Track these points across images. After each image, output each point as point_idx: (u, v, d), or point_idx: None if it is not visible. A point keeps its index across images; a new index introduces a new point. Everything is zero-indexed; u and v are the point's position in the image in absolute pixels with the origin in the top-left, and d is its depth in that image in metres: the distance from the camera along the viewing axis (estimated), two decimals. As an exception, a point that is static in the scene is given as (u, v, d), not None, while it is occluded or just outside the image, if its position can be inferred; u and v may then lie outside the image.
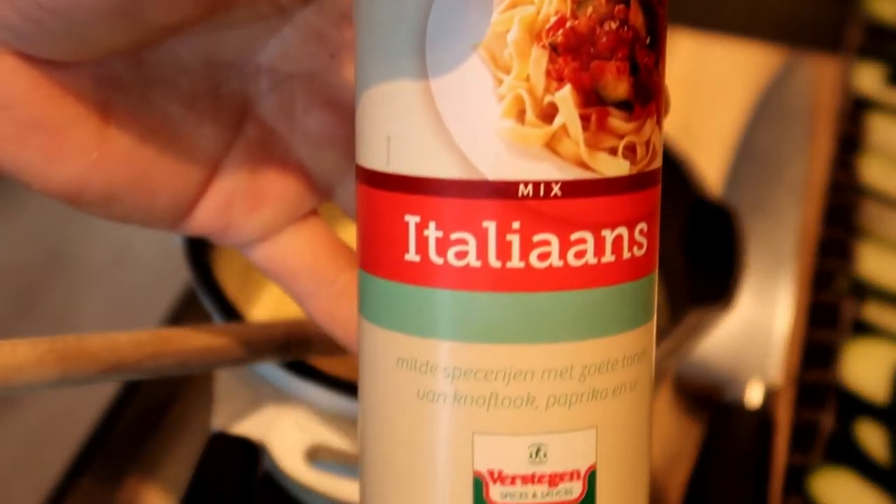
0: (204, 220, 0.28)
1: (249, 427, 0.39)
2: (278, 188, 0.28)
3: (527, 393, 0.23)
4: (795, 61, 0.69)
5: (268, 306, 0.49)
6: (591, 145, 0.23)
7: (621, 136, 0.23)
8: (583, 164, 0.23)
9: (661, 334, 0.31)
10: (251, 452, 0.39)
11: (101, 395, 0.49)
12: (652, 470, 0.26)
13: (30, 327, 0.55)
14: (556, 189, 0.23)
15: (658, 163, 0.24)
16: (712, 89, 0.70)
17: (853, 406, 0.50)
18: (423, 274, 0.23)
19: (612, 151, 0.23)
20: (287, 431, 0.39)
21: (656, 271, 0.25)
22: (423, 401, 0.24)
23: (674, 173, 0.49)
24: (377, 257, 0.24)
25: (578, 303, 0.23)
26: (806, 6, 0.77)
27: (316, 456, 0.40)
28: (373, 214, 0.24)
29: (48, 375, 0.28)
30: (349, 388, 0.38)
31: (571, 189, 0.23)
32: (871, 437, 0.49)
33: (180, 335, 0.32)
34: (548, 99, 0.22)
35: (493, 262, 0.23)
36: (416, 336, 0.24)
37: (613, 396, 0.24)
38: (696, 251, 0.48)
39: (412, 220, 0.23)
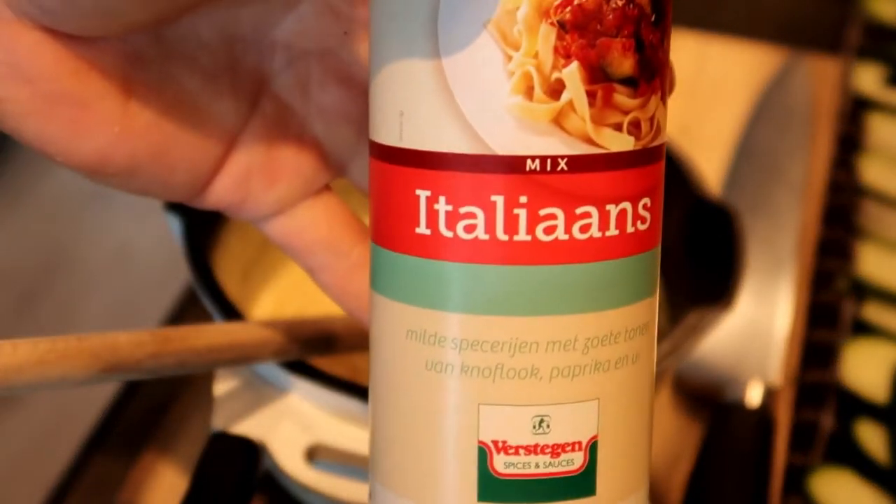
0: (221, 193, 0.28)
1: (249, 427, 0.39)
2: (294, 163, 0.28)
3: (531, 364, 0.24)
4: (795, 61, 0.69)
5: (268, 306, 0.49)
6: (597, 121, 0.23)
7: (626, 112, 0.23)
8: (588, 140, 0.23)
9: (661, 334, 0.31)
10: (251, 452, 0.39)
11: (101, 395, 0.49)
12: (652, 470, 0.27)
13: (30, 327, 0.55)
14: (562, 164, 0.23)
15: (662, 139, 0.25)
16: (712, 89, 0.70)
17: (853, 406, 0.50)
18: (433, 247, 0.24)
19: (618, 127, 0.23)
20: (287, 431, 0.39)
21: (659, 246, 0.25)
22: (432, 372, 0.24)
23: (674, 173, 0.49)
24: (389, 231, 0.25)
25: (582, 276, 0.24)
26: (806, 6, 0.77)
27: (316, 456, 0.40)
28: (385, 189, 0.25)
29: (48, 375, 0.28)
30: (349, 388, 0.38)
31: (577, 164, 0.23)
32: (871, 437, 0.49)
33: (180, 335, 0.32)
34: (555, 75, 0.23)
35: (501, 235, 0.23)
36: (425, 308, 0.24)
37: (616, 369, 0.24)
38: (696, 251, 0.48)
39: (423, 194, 0.24)
